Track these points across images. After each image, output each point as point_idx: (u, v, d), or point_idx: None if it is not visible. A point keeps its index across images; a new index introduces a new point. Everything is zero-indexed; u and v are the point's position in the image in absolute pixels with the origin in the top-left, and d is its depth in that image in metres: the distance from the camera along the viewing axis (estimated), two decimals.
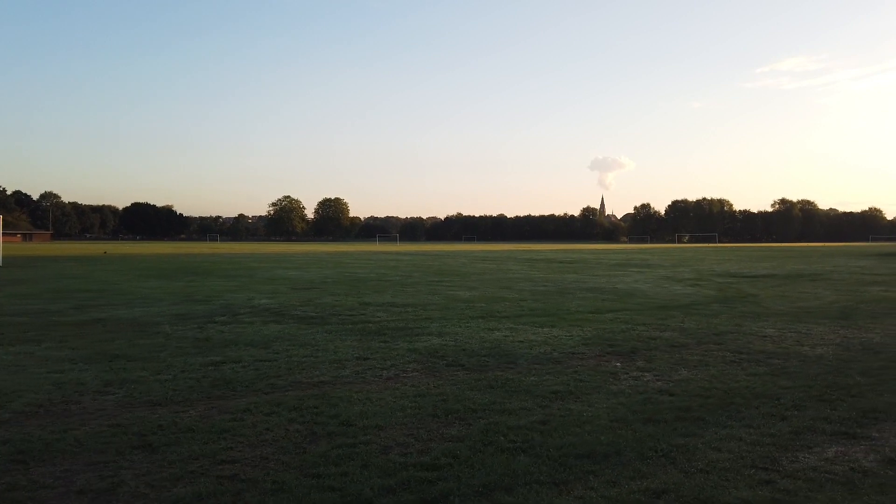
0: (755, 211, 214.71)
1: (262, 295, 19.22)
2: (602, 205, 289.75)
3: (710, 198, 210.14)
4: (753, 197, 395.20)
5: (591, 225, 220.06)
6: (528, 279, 27.03)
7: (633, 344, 11.03)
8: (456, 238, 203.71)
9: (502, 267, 37.40)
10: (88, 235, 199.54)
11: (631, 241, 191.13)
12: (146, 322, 13.18)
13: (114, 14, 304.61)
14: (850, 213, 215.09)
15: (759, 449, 5.62)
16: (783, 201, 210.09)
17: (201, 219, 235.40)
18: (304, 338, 11.26)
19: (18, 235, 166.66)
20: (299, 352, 9.91)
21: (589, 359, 9.74)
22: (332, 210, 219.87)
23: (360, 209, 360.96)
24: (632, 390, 7.73)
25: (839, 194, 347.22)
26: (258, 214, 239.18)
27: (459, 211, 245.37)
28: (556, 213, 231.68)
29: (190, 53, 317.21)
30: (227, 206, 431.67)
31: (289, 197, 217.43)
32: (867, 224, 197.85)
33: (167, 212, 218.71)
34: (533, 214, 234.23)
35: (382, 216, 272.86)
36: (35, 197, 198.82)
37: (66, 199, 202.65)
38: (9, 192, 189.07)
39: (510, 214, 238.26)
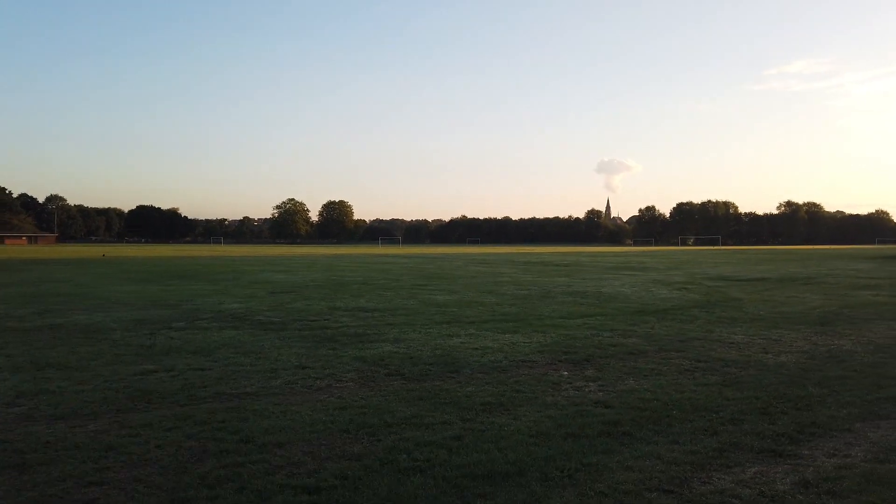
0: (761, 213, 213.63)
1: (235, 299, 18.94)
2: (608, 207, 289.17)
3: (715, 200, 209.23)
4: (760, 199, 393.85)
5: (595, 228, 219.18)
6: (515, 282, 26.70)
7: (590, 351, 10.69)
8: (460, 240, 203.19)
9: (495, 270, 37.08)
10: (94, 238, 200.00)
11: (636, 243, 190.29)
12: (100, 328, 12.91)
13: (118, 17, 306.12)
14: (857, 215, 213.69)
15: (675, 468, 5.28)
16: (789, 203, 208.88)
17: (206, 221, 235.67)
18: (253, 345, 10.96)
19: (24, 238, 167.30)
20: (240, 360, 9.60)
21: (538, 367, 9.41)
22: (336, 212, 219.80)
23: (365, 212, 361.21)
24: (567, 402, 7.40)
25: (846, 197, 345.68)
26: (264, 217, 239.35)
27: (465, 213, 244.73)
28: (561, 216, 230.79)
29: (195, 57, 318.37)
30: (232, 208, 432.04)
31: (293, 199, 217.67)
32: (874, 226, 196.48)
33: (172, 214, 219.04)
34: (537, 217, 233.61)
35: (388, 218, 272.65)
36: (41, 200, 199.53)
37: (72, 201, 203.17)
38: (15, 195, 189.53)
39: (516, 217, 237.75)
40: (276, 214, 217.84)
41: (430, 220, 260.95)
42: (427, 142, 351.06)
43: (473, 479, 4.99)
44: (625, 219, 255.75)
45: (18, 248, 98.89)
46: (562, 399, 7.51)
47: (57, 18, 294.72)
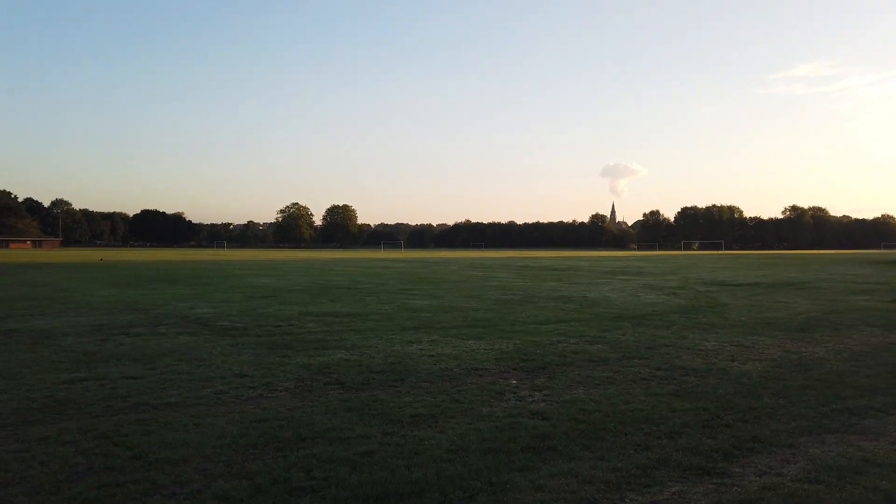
0: (766, 218, 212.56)
1: (209, 304, 18.62)
2: (613, 211, 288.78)
3: (720, 205, 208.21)
4: (765, 204, 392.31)
5: (599, 232, 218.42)
6: (503, 287, 26.32)
7: (550, 359, 10.31)
8: (464, 245, 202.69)
9: (489, 274, 36.69)
10: (98, 242, 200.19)
11: (640, 248, 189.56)
12: (53, 334, 12.59)
13: (124, 21, 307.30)
14: (863, 220, 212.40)
15: (588, 488, 4.91)
16: (794, 208, 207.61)
17: (211, 226, 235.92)
18: (201, 352, 10.61)
19: (28, 242, 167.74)
20: (179, 368, 9.25)
21: (488, 376, 9.04)
22: (339, 217, 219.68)
23: (370, 216, 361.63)
24: (504, 413, 7.03)
25: (853, 201, 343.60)
26: (268, 221, 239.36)
27: (469, 218, 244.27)
28: (565, 221, 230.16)
29: (201, 61, 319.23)
30: (237, 213, 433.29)
31: (297, 204, 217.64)
32: (879, 231, 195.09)
33: (177, 219, 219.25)
34: (542, 221, 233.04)
35: (393, 223, 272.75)
36: (46, 204, 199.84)
37: (77, 206, 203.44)
38: (20, 200, 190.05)
39: (520, 221, 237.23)
40: (280, 219, 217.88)
41: (434, 224, 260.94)
42: (433, 146, 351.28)
43: (365, 501, 4.62)
44: (630, 223, 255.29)
45: (14, 252, 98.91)
46: (498, 410, 7.14)
47: (63, 22, 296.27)
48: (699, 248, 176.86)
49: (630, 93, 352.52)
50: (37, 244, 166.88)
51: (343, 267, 46.58)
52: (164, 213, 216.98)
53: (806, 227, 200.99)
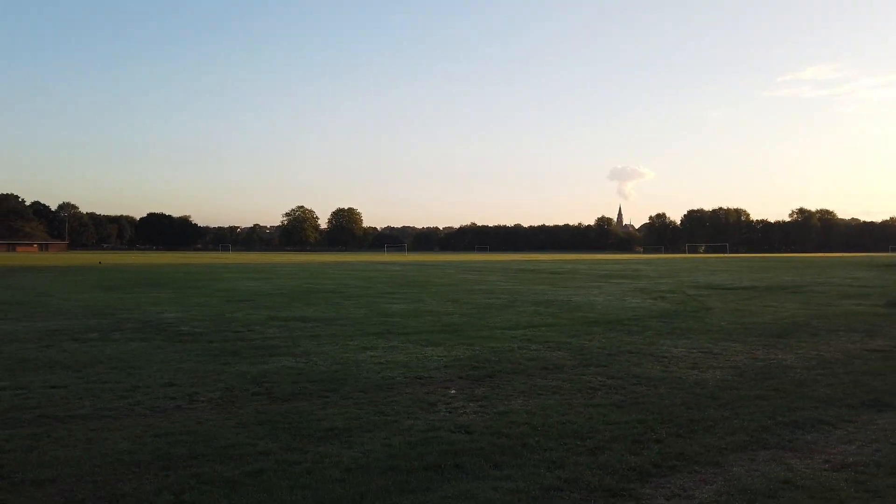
0: (773, 221, 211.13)
1: (182, 308, 18.29)
2: (619, 214, 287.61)
3: (726, 207, 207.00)
4: (773, 206, 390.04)
5: (605, 235, 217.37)
6: (490, 291, 25.91)
7: (503, 366, 9.91)
8: (469, 248, 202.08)
9: (481, 278, 36.28)
10: (105, 245, 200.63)
11: (646, 251, 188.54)
12: (1, 339, 12.26)
13: (130, 25, 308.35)
14: (871, 222, 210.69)
15: None
16: (801, 211, 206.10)
17: (217, 229, 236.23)
18: (142, 359, 10.26)
19: (35, 245, 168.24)
20: (109, 377, 8.90)
21: (430, 385, 8.65)
22: (345, 220, 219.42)
23: (376, 219, 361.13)
24: (426, 426, 6.63)
25: (861, 204, 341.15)
26: (275, 225, 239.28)
27: (477, 221, 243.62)
28: (572, 224, 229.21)
29: (208, 65, 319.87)
30: (243, 216, 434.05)
31: (302, 207, 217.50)
32: (888, 234, 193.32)
33: (183, 222, 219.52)
34: (548, 224, 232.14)
35: (399, 226, 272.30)
36: (53, 207, 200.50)
37: (84, 209, 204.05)
38: (28, 203, 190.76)
39: (527, 224, 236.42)
40: (286, 222, 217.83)
41: (441, 227, 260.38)
42: (440, 150, 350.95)
43: None
44: (637, 226, 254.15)
45: (14, 256, 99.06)
46: (422, 423, 6.74)
47: (70, 26, 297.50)
48: (705, 252, 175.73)
49: (638, 95, 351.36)
50: (43, 247, 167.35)
51: (338, 270, 46.25)
52: (170, 216, 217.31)
53: (813, 229, 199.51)
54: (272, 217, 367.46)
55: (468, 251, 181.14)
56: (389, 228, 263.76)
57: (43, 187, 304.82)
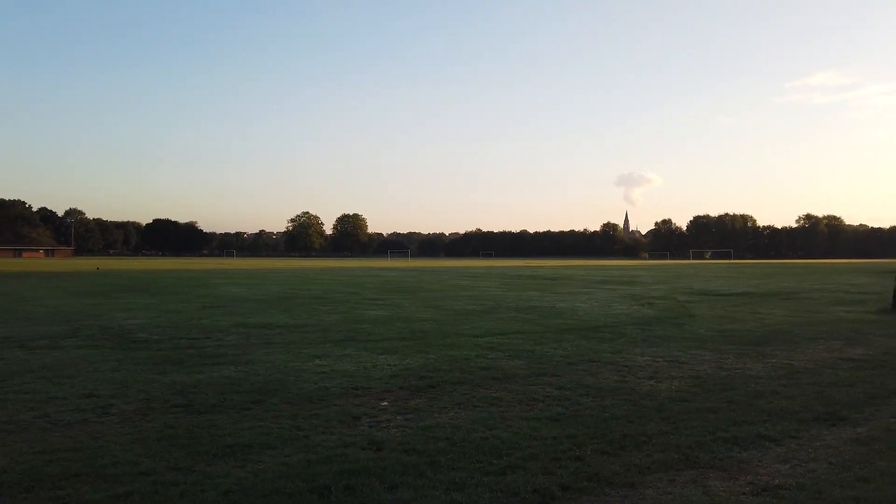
0: (780, 227, 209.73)
1: (151, 314, 17.92)
2: (626, 220, 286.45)
3: (732, 213, 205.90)
4: (781, 212, 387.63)
5: (611, 241, 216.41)
6: (476, 297, 25.46)
7: (451, 375, 9.47)
8: (474, 254, 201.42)
9: (474, 284, 35.85)
10: (112, 251, 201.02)
11: (651, 257, 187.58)
12: None
13: (137, 30, 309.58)
14: (880, 228, 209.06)
15: None
16: (808, 217, 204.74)
17: (224, 235, 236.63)
18: (76, 368, 9.87)
19: (41, 251, 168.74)
20: (31, 387, 8.50)
21: (365, 396, 8.22)
22: (350, 226, 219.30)
23: (383, 225, 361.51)
24: (338, 442, 6.20)
25: (870, 210, 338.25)
26: (281, 230, 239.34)
27: (481, 227, 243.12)
28: (577, 230, 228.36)
29: (214, 71, 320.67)
30: (250, 222, 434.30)
31: (307, 213, 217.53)
32: (895, 240, 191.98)
33: (189, 228, 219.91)
34: (553, 230, 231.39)
35: (405, 232, 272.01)
36: (60, 213, 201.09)
37: (91, 215, 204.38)
38: (34, 209, 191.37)
39: (533, 230, 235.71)
40: (291, 228, 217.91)
41: (447, 233, 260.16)
42: (447, 156, 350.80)
43: None
44: (643, 232, 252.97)
45: (15, 262, 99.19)
46: (334, 439, 6.31)
47: (76, 31, 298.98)
48: (711, 258, 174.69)
49: (645, 101, 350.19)
50: (49, 253, 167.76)
51: (332, 276, 45.87)
52: (175, 222, 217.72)
53: (820, 235, 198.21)
54: (278, 223, 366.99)
55: (473, 257, 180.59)
56: (395, 234, 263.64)
57: (50, 193, 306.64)
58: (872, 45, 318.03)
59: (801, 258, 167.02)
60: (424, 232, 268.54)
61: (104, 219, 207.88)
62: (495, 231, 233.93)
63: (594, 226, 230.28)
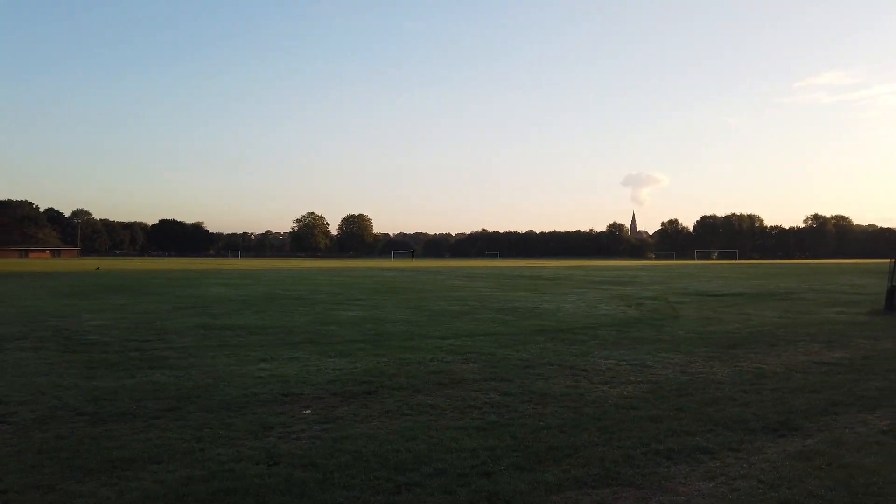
0: (787, 227, 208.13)
1: (117, 315, 17.50)
2: (633, 220, 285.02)
3: (739, 213, 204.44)
4: (789, 212, 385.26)
5: (617, 241, 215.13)
6: (461, 298, 24.95)
7: (396, 381, 8.98)
8: (480, 254, 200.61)
9: (467, 284, 35.34)
10: (118, 252, 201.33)
11: (658, 257, 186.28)
12: None
13: (145, 34, 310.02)
14: (889, 228, 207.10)
15: None
16: (816, 217, 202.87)
17: (230, 235, 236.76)
18: (3, 371, 9.39)
19: (47, 252, 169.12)
20: None
21: (294, 402, 7.76)
22: (355, 226, 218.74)
23: (390, 226, 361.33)
24: (234, 456, 5.71)
25: (878, 210, 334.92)
26: (287, 231, 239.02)
27: (488, 227, 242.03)
28: (584, 230, 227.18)
29: (220, 73, 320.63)
30: (256, 222, 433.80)
31: (312, 213, 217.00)
32: None
33: (195, 228, 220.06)
34: (559, 230, 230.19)
35: (411, 233, 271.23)
36: (67, 214, 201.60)
37: (98, 216, 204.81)
38: (41, 210, 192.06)
39: (539, 231, 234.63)
40: (297, 228, 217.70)
41: (453, 234, 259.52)
42: (453, 156, 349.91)
43: None
44: (651, 232, 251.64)
45: (17, 262, 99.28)
46: (231, 452, 5.84)
47: (82, 33, 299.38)
48: (719, 258, 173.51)
49: (653, 101, 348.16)
50: (55, 254, 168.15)
51: (328, 277, 45.41)
52: (182, 222, 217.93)
53: (829, 235, 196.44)
54: (284, 223, 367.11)
55: (479, 257, 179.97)
56: (402, 235, 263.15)
57: (57, 194, 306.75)
58: (879, 44, 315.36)
59: (808, 258, 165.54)
60: (431, 232, 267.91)
61: (111, 219, 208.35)
62: (501, 231, 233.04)
63: (601, 226, 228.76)
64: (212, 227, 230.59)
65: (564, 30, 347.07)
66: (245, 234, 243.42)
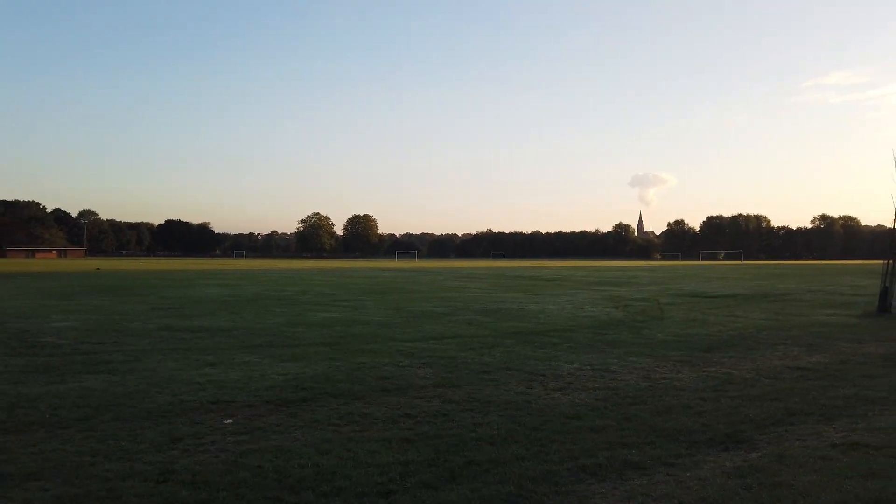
0: (794, 227, 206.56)
1: (86, 317, 17.15)
2: (640, 221, 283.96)
3: (746, 214, 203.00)
4: (796, 213, 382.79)
5: (623, 242, 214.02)
6: (448, 299, 24.54)
7: (342, 387, 8.58)
8: (485, 255, 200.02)
9: (461, 285, 34.91)
10: (124, 252, 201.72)
11: (664, 258, 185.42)
12: None
13: (150, 35, 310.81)
14: None
15: None
16: (823, 217, 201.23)
17: (236, 236, 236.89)
18: None
19: (54, 252, 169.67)
20: None
21: (220, 411, 7.35)
22: (360, 227, 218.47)
23: (395, 226, 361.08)
24: (123, 472, 5.31)
25: (887, 210, 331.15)
26: (293, 231, 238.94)
27: (494, 228, 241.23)
28: (590, 230, 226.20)
29: (226, 74, 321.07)
30: (262, 223, 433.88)
31: (318, 213, 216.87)
32: None
33: (201, 229, 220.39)
34: (565, 231, 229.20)
35: (417, 233, 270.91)
36: (74, 214, 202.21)
37: (104, 216, 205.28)
38: (48, 210, 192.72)
39: (545, 231, 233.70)
40: (302, 228, 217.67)
41: (459, 234, 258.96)
42: (459, 156, 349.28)
43: None
44: (658, 233, 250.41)
45: (20, 262, 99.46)
46: (122, 468, 5.44)
47: (92, 35, 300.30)
48: (724, 258, 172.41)
49: (660, 101, 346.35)
50: (62, 254, 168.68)
51: (325, 277, 45.05)
52: (188, 223, 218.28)
53: (836, 236, 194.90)
54: (290, 224, 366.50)
55: (484, 258, 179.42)
56: (408, 235, 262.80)
57: (64, 194, 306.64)
58: (888, 44, 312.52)
59: (816, 259, 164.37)
60: (437, 233, 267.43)
61: (117, 220, 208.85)
62: (507, 232, 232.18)
63: (608, 227, 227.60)
64: (218, 227, 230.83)
65: (571, 30, 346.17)
66: (251, 234, 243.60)
